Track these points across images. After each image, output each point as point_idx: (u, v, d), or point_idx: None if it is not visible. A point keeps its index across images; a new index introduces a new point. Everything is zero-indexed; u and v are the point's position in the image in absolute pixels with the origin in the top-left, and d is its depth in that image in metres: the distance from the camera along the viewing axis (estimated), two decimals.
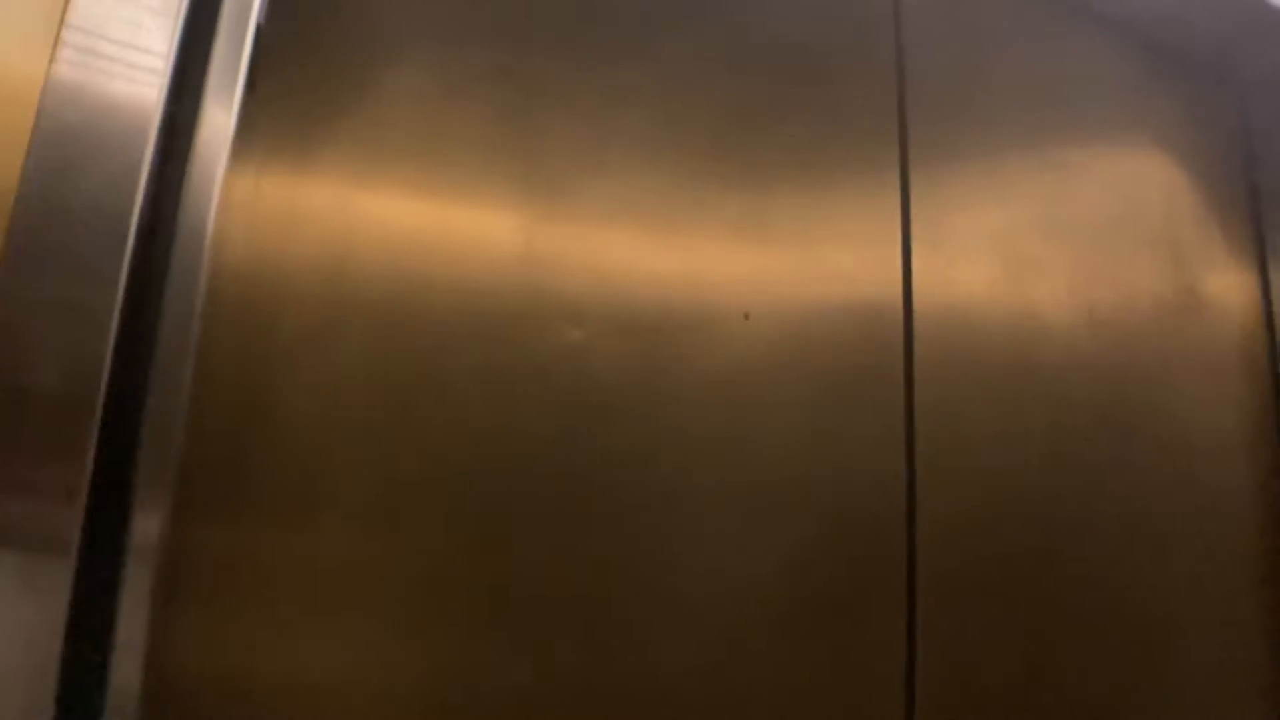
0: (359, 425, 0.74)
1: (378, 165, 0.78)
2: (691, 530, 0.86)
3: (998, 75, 1.17)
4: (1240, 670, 1.17)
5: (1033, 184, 1.16)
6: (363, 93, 0.79)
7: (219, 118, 0.62)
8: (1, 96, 0.56)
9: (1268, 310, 1.29)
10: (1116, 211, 1.22)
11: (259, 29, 0.63)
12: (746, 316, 0.92)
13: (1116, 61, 1.27)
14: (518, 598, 0.78)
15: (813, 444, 0.94)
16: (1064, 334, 1.13)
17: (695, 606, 0.85)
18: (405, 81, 0.81)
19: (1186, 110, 1.31)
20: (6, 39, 0.56)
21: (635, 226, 0.90)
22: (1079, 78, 1.23)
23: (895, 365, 1.01)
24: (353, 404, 0.74)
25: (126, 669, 0.57)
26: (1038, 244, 1.14)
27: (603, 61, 0.92)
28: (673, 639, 0.83)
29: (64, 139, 0.56)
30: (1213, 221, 1.29)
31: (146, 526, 0.58)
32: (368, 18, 0.80)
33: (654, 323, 0.87)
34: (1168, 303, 1.23)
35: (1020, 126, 1.17)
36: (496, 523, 0.78)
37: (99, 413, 0.56)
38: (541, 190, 0.85)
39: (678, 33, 0.95)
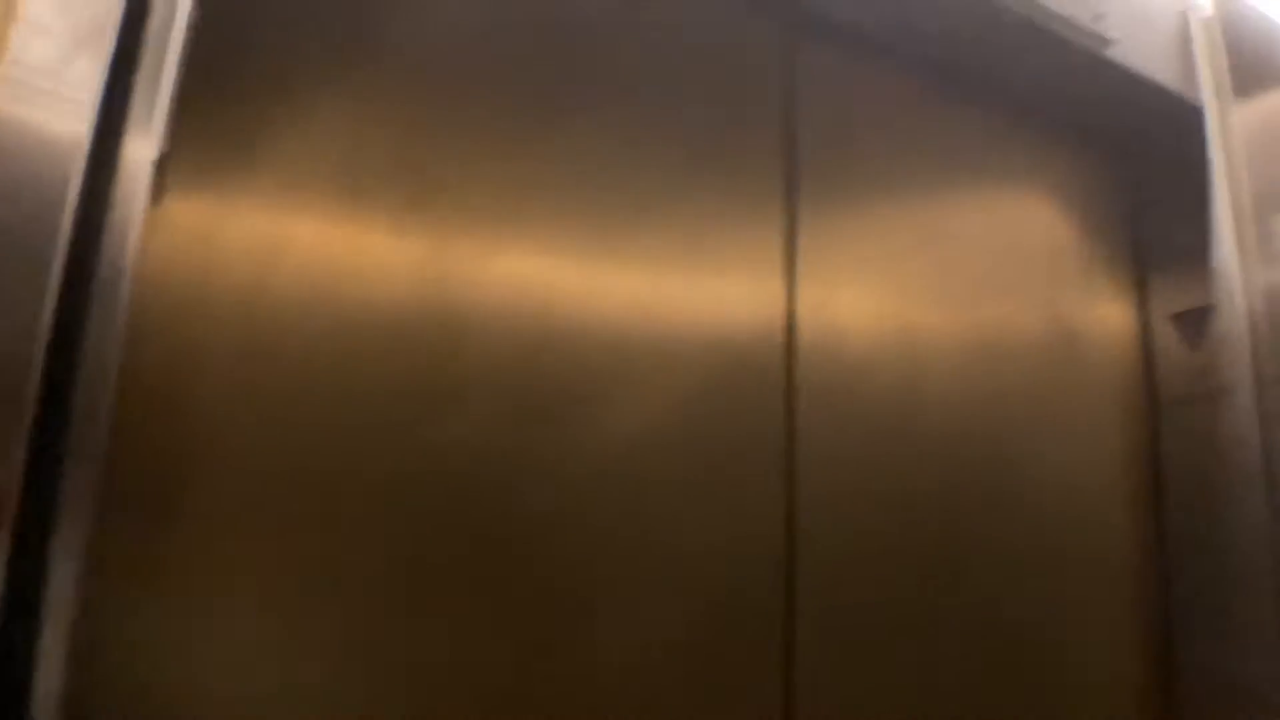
0: (278, 440, 0.76)
1: (295, 194, 0.81)
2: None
3: (888, 136, 1.20)
4: (1113, 686, 1.21)
5: (917, 232, 1.19)
6: (282, 126, 0.81)
7: (141, 149, 0.64)
8: None
9: (1146, 346, 1.36)
10: (999, 257, 1.26)
11: (181, 61, 0.65)
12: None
13: (1009, 125, 1.31)
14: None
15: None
16: (946, 366, 1.16)
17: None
18: (321, 119, 0.84)
19: (1075, 170, 1.37)
20: None
21: (545, 291, 0.92)
22: (970, 144, 1.27)
23: (777, 406, 1.03)
24: (272, 419, 0.76)
25: (50, 674, 0.59)
26: (923, 283, 1.17)
27: (507, 149, 0.93)
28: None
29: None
30: (1096, 266, 1.35)
31: (72, 535, 0.60)
32: (288, 55, 0.83)
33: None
34: (1049, 339, 1.27)
35: (908, 184, 1.20)
36: (409, 531, 0.80)
37: (27, 428, 0.58)
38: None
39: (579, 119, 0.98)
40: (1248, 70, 1.37)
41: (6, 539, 0.56)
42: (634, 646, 0.88)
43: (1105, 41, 1.20)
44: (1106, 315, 1.35)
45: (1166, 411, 1.32)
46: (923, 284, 1.17)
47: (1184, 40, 1.34)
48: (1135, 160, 1.42)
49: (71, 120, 0.61)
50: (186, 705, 0.70)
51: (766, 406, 1.02)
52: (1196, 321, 1.31)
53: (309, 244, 0.81)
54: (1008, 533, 1.16)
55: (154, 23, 0.66)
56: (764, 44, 1.13)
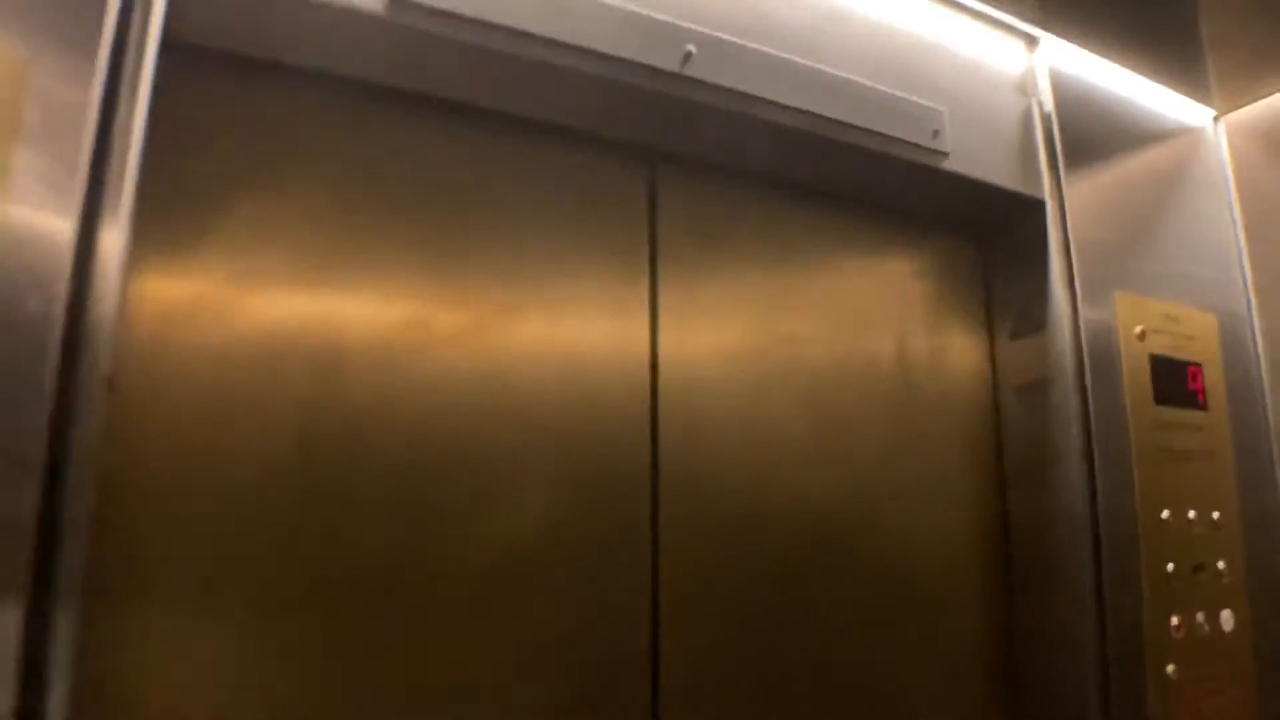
0: (238, 482, 0.93)
1: (255, 266, 0.98)
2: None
3: (734, 227, 1.34)
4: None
5: (763, 296, 1.35)
6: (241, 205, 0.98)
7: (114, 237, 0.77)
8: None
9: (994, 377, 1.53)
10: (844, 320, 1.41)
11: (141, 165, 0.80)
12: None
13: (854, 216, 1.45)
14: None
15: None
16: (791, 385, 1.33)
17: None
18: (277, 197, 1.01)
19: (931, 251, 1.53)
20: None
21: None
22: (816, 233, 1.41)
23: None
24: (239, 467, 0.93)
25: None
26: (767, 328, 1.33)
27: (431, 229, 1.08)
28: None
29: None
30: (952, 340, 1.52)
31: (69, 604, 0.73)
32: (246, 144, 1.00)
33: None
34: (902, 370, 1.44)
35: (754, 261, 1.35)
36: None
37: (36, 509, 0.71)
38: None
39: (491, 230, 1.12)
40: (1085, 156, 1.50)
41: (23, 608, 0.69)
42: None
43: (942, 155, 1.32)
44: (961, 381, 1.50)
45: (1012, 477, 1.49)
46: (767, 329, 1.33)
47: (1027, 133, 1.46)
48: (985, 243, 1.55)
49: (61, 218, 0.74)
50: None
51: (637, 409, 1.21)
52: (1038, 393, 1.46)
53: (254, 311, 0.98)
54: (865, 545, 1.35)
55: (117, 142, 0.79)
56: (636, 171, 1.26)
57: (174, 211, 0.95)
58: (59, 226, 0.74)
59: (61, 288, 0.74)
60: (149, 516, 0.89)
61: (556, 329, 1.16)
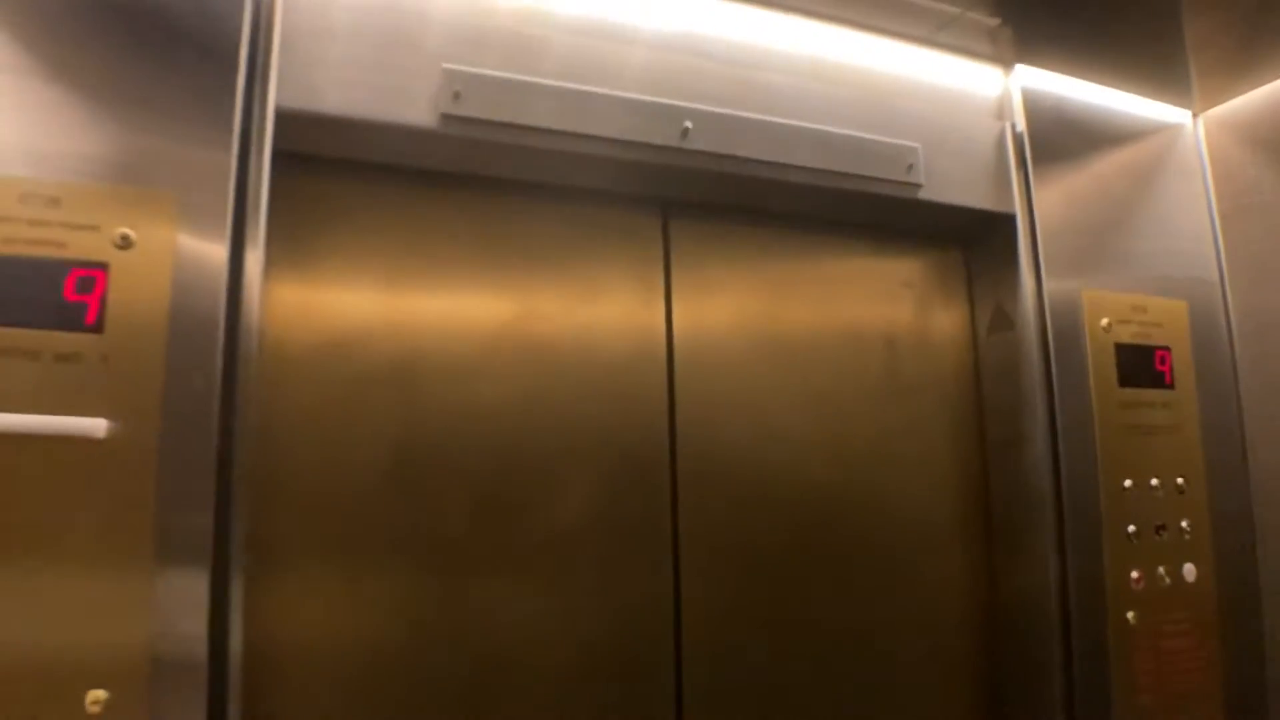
0: (348, 467, 1.27)
1: (361, 275, 1.32)
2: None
3: (738, 247, 1.62)
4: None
5: (762, 298, 1.62)
6: (344, 225, 1.32)
7: (255, 240, 1.11)
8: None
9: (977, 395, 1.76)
10: (837, 313, 1.65)
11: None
12: None
13: (849, 236, 1.70)
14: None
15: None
16: (796, 388, 1.59)
17: None
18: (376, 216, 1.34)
19: (919, 259, 1.77)
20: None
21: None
22: (812, 246, 1.66)
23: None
24: (349, 460, 1.27)
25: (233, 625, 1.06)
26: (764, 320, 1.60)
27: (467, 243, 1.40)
28: None
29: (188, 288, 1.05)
30: (937, 333, 1.77)
31: (239, 539, 1.06)
32: (340, 207, 1.33)
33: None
34: (895, 365, 1.70)
35: (754, 271, 1.60)
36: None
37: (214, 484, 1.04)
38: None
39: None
40: (1057, 168, 1.70)
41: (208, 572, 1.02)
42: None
43: (916, 187, 1.54)
44: (947, 371, 1.74)
45: (991, 454, 1.73)
46: (769, 335, 1.60)
47: (1000, 154, 1.66)
48: (965, 251, 1.78)
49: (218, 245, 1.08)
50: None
51: (656, 405, 1.49)
52: (1011, 381, 1.69)
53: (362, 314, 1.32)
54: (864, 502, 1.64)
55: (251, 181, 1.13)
56: (654, 210, 1.54)
57: (294, 241, 1.28)
58: (220, 230, 1.08)
59: (221, 294, 1.07)
60: (279, 494, 1.22)
61: (590, 343, 1.44)
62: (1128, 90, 1.82)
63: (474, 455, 1.33)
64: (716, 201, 1.54)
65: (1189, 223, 1.85)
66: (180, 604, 1.01)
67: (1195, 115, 1.92)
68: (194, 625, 1.01)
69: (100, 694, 0.98)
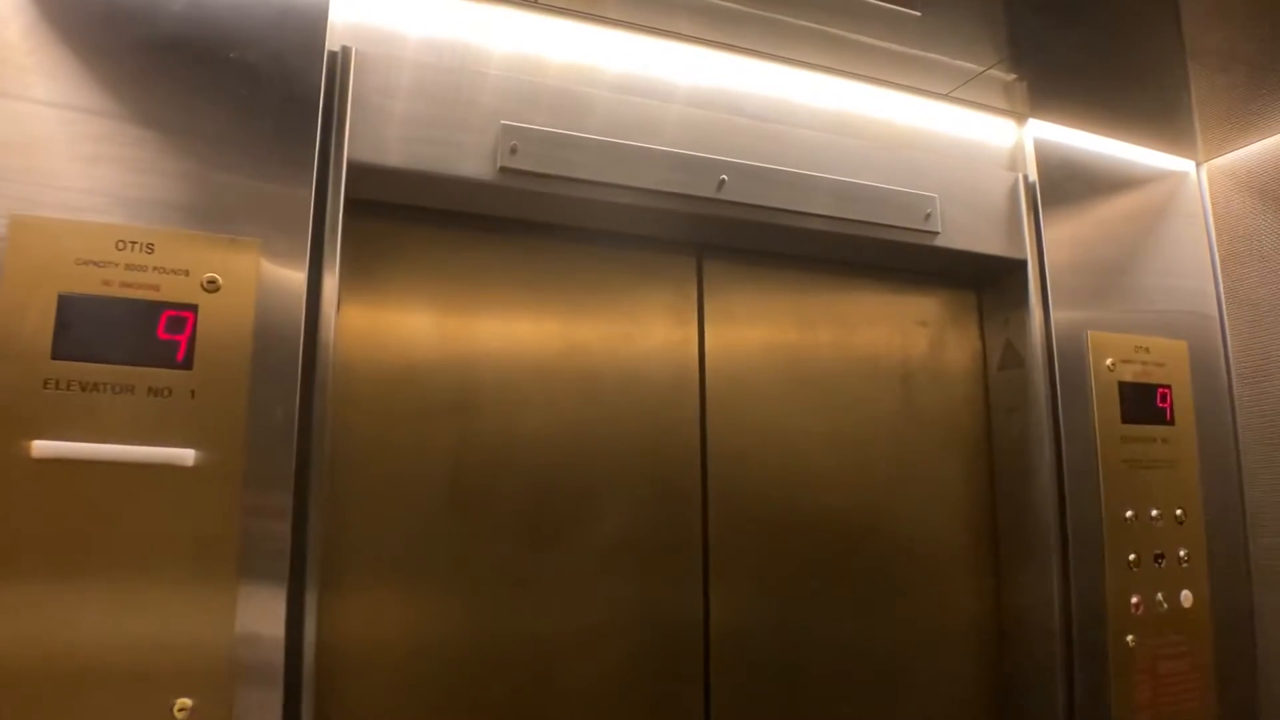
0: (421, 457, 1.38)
1: (424, 312, 1.43)
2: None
3: (767, 284, 1.69)
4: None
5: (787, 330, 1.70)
6: (408, 265, 1.43)
7: (330, 282, 1.22)
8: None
9: (987, 402, 1.87)
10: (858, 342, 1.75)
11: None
12: None
13: (871, 277, 1.79)
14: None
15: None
16: (819, 418, 1.70)
17: None
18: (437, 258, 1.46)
19: (935, 298, 1.88)
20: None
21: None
22: (835, 283, 1.77)
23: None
24: (411, 475, 1.38)
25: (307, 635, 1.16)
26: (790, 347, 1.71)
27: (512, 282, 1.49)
28: None
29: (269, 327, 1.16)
30: (949, 368, 1.87)
31: (314, 556, 1.16)
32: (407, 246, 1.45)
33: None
34: (911, 398, 1.80)
35: (783, 310, 1.71)
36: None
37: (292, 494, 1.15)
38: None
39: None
40: (1067, 215, 1.80)
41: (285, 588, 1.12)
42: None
43: (933, 234, 1.64)
44: (959, 405, 1.84)
45: (1000, 484, 1.83)
46: (794, 368, 1.71)
47: (1013, 203, 1.76)
48: (978, 293, 1.88)
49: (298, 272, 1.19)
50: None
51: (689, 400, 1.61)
52: (1020, 415, 1.79)
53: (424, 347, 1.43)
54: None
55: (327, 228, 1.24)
56: (689, 252, 1.64)
57: (363, 281, 1.39)
58: (298, 274, 1.19)
59: (299, 332, 1.18)
60: (348, 512, 1.33)
61: (630, 375, 1.55)
62: (1135, 142, 1.92)
63: (523, 478, 1.44)
64: (748, 246, 1.64)
65: (1191, 267, 1.95)
66: (260, 614, 1.11)
67: (1199, 165, 2.02)
68: (272, 632, 1.11)
69: (187, 701, 1.08)
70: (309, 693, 1.14)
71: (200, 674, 1.09)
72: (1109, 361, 1.79)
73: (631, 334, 1.55)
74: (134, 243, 1.14)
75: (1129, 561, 1.75)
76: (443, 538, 1.38)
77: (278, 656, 1.11)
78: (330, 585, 1.27)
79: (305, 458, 1.18)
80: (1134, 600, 1.75)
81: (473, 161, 1.33)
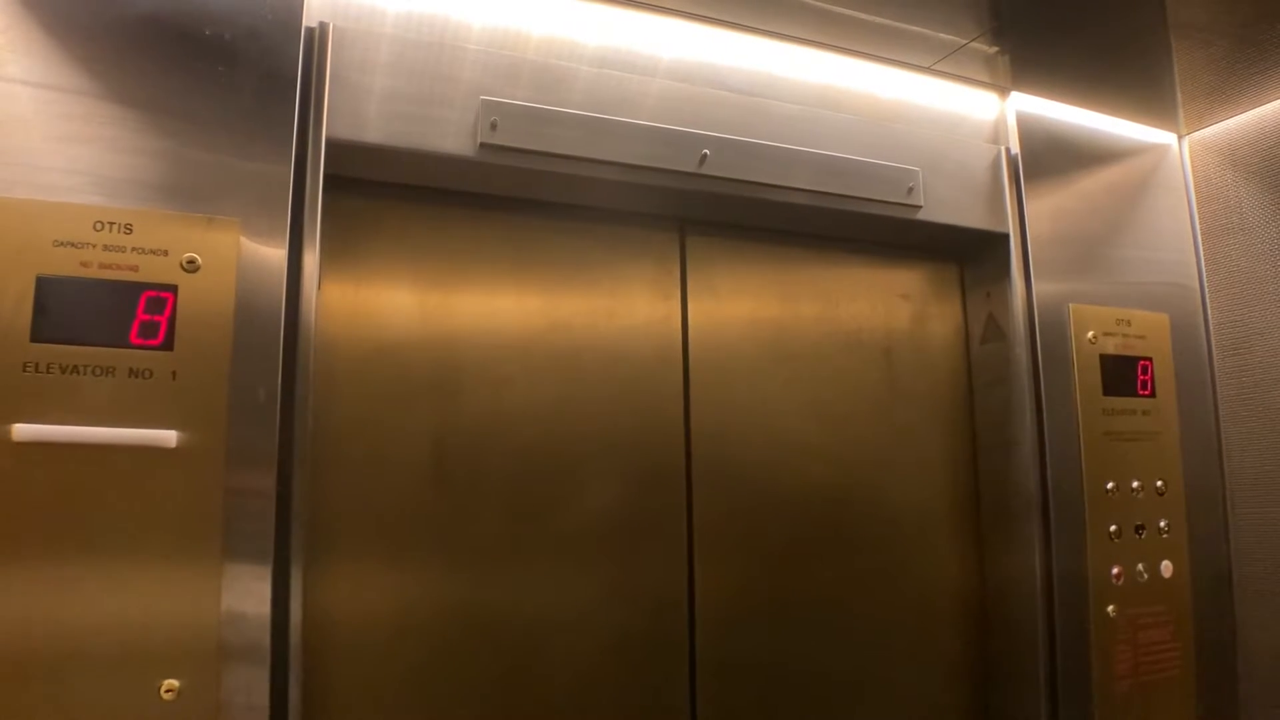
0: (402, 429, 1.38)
1: (404, 289, 1.42)
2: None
3: (748, 258, 1.69)
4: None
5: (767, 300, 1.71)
6: (388, 243, 1.42)
7: (310, 261, 1.21)
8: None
9: (969, 376, 1.89)
10: (840, 315, 1.76)
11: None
12: None
13: (849, 251, 1.78)
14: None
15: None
16: (801, 392, 1.71)
17: None
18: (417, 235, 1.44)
19: (921, 269, 1.89)
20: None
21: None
22: (815, 259, 1.76)
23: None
24: (393, 455, 1.38)
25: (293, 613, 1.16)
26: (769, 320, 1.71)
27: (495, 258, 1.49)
28: None
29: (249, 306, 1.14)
30: (933, 339, 1.86)
31: (298, 533, 1.17)
32: (387, 220, 1.43)
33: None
34: (894, 371, 1.81)
35: (763, 280, 1.70)
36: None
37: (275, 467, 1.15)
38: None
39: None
40: (1049, 189, 1.81)
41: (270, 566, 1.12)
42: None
43: (916, 208, 1.64)
44: (942, 378, 1.85)
45: (982, 457, 1.84)
46: (776, 339, 1.71)
47: (995, 176, 1.77)
48: (961, 266, 1.89)
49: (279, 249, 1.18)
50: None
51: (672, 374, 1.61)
52: (1002, 389, 1.80)
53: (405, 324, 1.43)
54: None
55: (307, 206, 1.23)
56: (671, 227, 1.64)
57: (343, 259, 1.38)
58: (278, 253, 1.18)
59: (280, 312, 1.17)
60: (331, 491, 1.33)
61: (613, 351, 1.55)
62: (1117, 114, 1.92)
63: (506, 455, 1.44)
64: (730, 221, 1.64)
65: (1172, 240, 1.96)
66: (245, 593, 1.11)
67: (1180, 138, 2.03)
68: (257, 611, 1.12)
69: (173, 682, 1.08)
70: (295, 671, 1.14)
71: (186, 655, 1.09)
72: (1090, 334, 1.80)
73: (614, 309, 1.55)
74: (112, 223, 1.12)
75: (1110, 532, 1.77)
76: (426, 515, 1.38)
77: (263, 636, 1.12)
78: (314, 564, 1.27)
79: (288, 437, 1.17)
80: (1115, 571, 1.77)
81: (453, 137, 1.32)
